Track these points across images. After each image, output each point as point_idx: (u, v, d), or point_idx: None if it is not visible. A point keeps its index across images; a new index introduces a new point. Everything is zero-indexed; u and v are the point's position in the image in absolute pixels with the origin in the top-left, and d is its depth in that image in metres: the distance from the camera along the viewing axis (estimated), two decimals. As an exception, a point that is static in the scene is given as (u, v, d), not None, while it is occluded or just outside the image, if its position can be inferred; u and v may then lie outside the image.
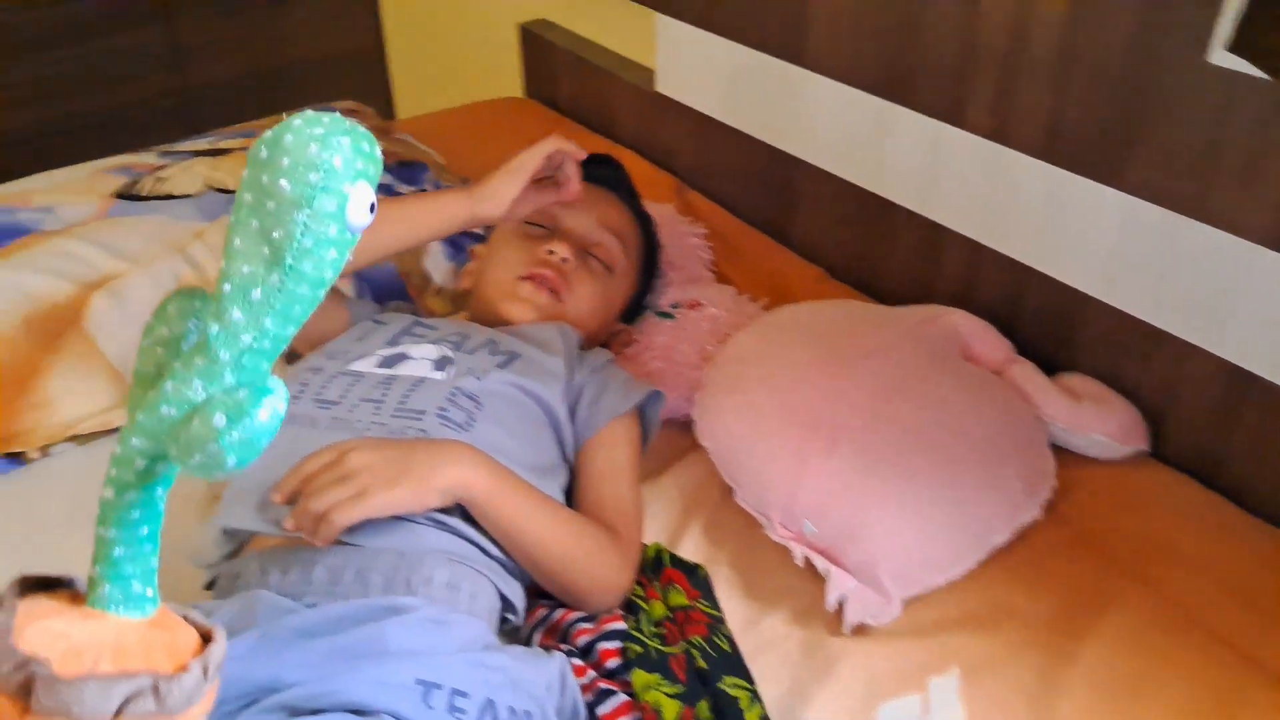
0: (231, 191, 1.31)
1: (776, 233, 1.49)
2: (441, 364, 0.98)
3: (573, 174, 1.10)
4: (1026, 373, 1.12)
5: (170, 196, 1.29)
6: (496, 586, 0.86)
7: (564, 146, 1.08)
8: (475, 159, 1.64)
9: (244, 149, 1.40)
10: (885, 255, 1.36)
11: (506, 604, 0.87)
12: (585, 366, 1.05)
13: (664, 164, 1.64)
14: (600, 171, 1.24)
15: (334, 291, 1.19)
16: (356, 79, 2.59)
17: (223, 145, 1.40)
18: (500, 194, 1.06)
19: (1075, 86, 1.05)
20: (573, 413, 1.01)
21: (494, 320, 1.10)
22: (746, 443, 1.01)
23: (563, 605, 0.90)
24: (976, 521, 0.95)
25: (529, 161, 1.07)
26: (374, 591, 0.80)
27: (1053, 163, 1.10)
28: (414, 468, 0.83)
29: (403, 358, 0.99)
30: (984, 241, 1.22)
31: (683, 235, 1.39)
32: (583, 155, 1.09)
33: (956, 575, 0.94)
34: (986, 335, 1.15)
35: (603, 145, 1.70)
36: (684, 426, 1.13)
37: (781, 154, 1.44)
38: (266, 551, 0.84)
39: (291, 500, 0.83)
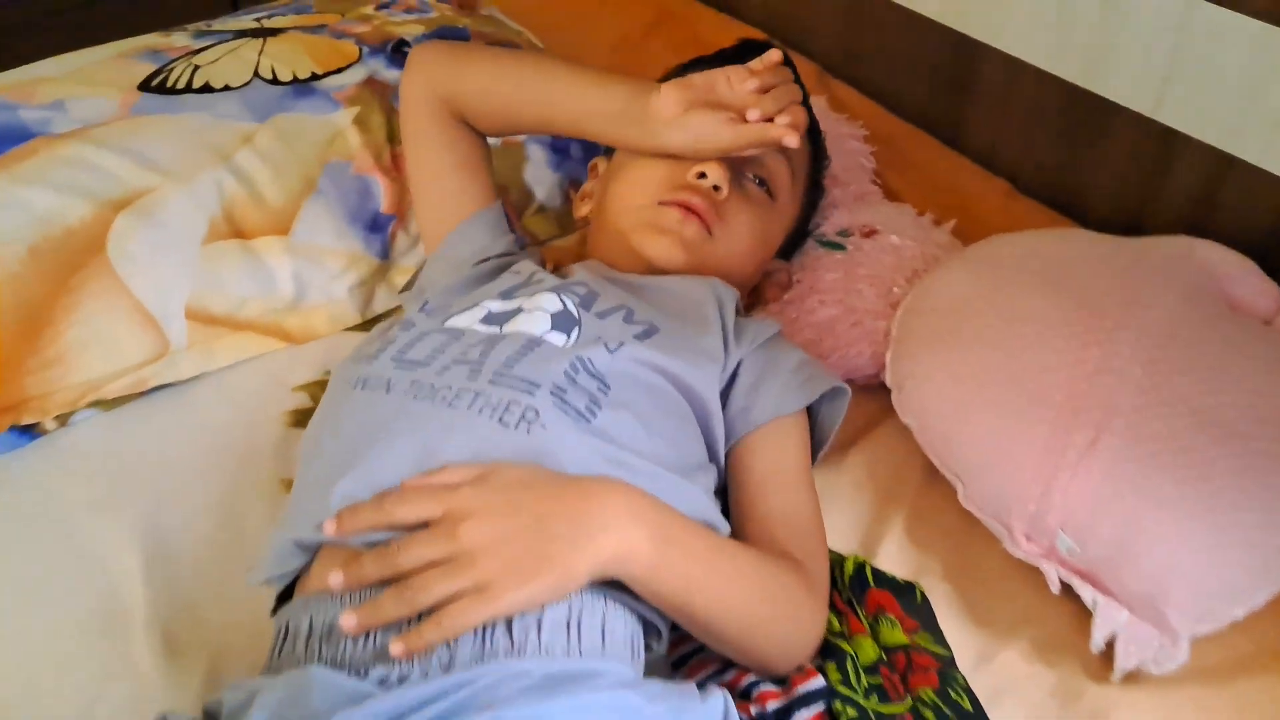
0: (284, 82, 1.10)
1: (946, 134, 1.27)
2: (563, 322, 0.78)
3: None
4: (1305, 326, 0.91)
5: (209, 89, 1.07)
6: (633, 610, 0.68)
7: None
8: (570, 43, 1.41)
9: (300, 28, 1.17)
10: (1092, 167, 1.14)
11: (648, 627, 0.70)
12: (745, 340, 0.84)
13: (801, 47, 1.40)
14: None
15: (486, 174, 0.98)
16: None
17: (273, 23, 1.18)
18: (706, 138, 0.84)
19: None
20: (724, 398, 0.82)
21: (624, 259, 0.90)
22: (972, 426, 0.82)
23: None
24: (1282, 531, 0.76)
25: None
26: (461, 660, 0.61)
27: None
28: (555, 549, 0.63)
29: (517, 312, 0.79)
30: (1238, 154, 1.00)
31: (840, 138, 1.17)
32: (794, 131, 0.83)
33: (1259, 603, 0.75)
34: (1250, 276, 0.94)
35: (723, 25, 1.47)
36: (868, 390, 0.94)
37: (960, 36, 1.20)
38: (322, 596, 0.66)
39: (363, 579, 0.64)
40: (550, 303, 0.79)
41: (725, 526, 0.75)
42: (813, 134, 1.02)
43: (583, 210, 1.02)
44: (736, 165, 0.91)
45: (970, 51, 1.20)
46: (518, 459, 0.67)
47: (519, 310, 0.79)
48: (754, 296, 1.02)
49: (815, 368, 0.85)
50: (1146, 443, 0.76)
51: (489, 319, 0.79)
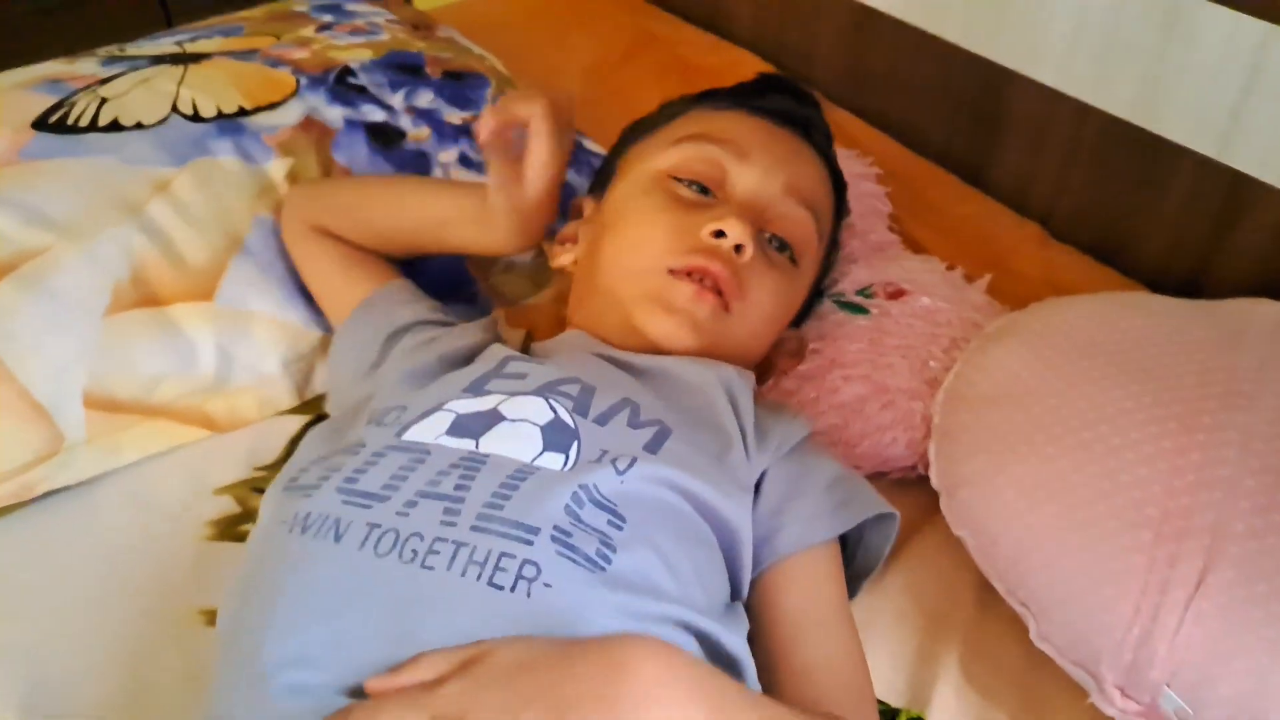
0: (207, 118, 0.94)
1: (968, 172, 1.14)
2: (557, 437, 0.63)
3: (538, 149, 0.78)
4: None
5: (117, 126, 0.91)
6: None
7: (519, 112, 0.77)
8: (540, 64, 1.26)
9: (228, 53, 1.01)
10: (1142, 214, 1.02)
11: None
12: (769, 444, 0.70)
13: (797, 72, 1.26)
14: (785, 105, 0.87)
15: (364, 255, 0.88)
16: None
17: (197, 48, 1.02)
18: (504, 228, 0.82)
19: None
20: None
21: (617, 333, 0.76)
22: (1047, 549, 0.68)
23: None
24: None
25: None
26: None
27: None
28: None
29: (496, 420, 0.64)
30: (1318, 202, 0.88)
31: (851, 178, 1.02)
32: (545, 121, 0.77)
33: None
34: (1341, 347, 0.81)
35: (708, 46, 1.33)
36: (903, 485, 0.80)
37: (986, 64, 1.07)
38: None
39: None
40: (538, 412, 0.64)
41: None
42: (836, 182, 0.88)
43: (563, 259, 0.86)
44: (757, 224, 0.77)
45: (998, 79, 1.07)
46: (518, 633, 0.53)
47: (498, 418, 0.64)
48: (762, 369, 0.87)
49: (855, 483, 0.72)
50: (1271, 576, 0.62)
51: (458, 429, 0.63)
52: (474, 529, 0.56)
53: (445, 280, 0.94)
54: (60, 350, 0.80)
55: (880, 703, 0.67)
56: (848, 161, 1.07)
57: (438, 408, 0.65)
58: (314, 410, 0.89)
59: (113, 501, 0.81)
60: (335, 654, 0.53)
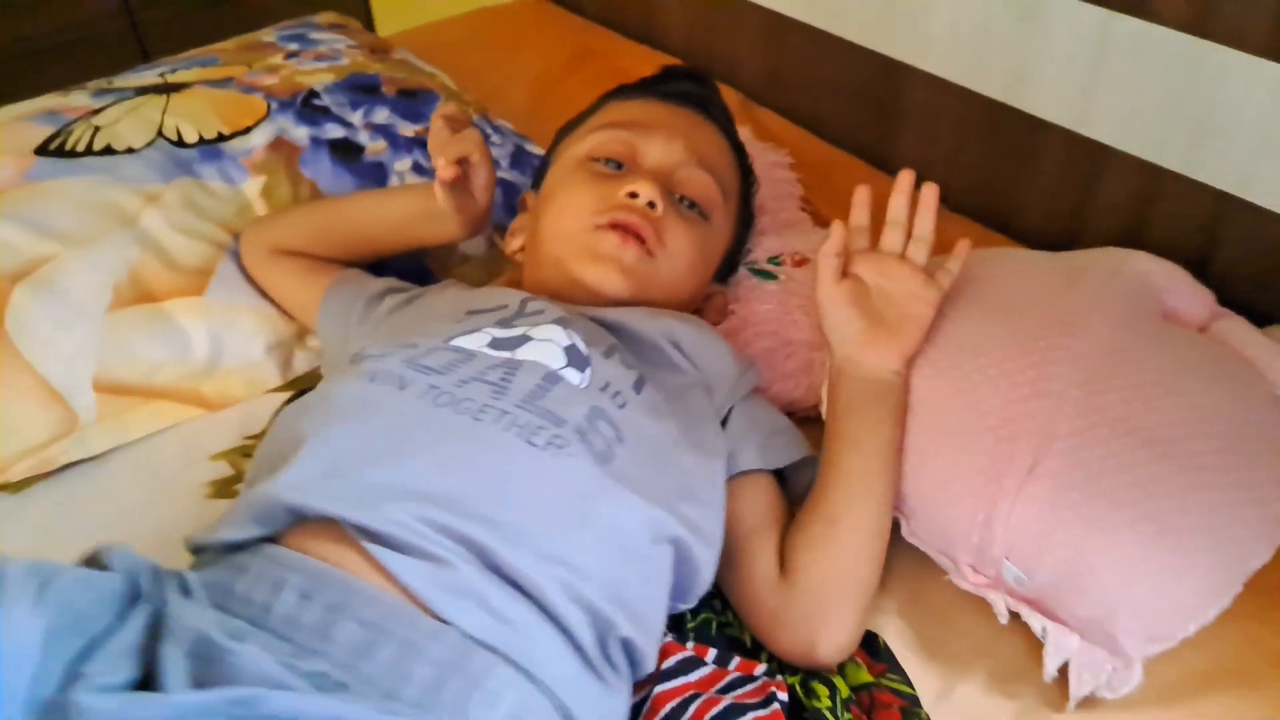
0: (190, 144, 1.08)
1: (874, 157, 1.29)
2: (576, 358, 0.78)
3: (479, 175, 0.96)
4: (1240, 331, 0.93)
5: (110, 151, 1.06)
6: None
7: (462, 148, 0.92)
8: (489, 80, 1.41)
9: (205, 82, 1.16)
10: (1021, 183, 1.16)
11: None
12: (728, 385, 0.86)
13: (723, 76, 1.41)
14: (684, 87, 1.02)
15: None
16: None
17: (177, 78, 1.17)
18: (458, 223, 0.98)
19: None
20: None
21: (565, 289, 0.90)
22: (915, 458, 0.82)
23: (697, 696, 0.71)
24: (1230, 544, 0.76)
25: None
26: (407, 696, 0.59)
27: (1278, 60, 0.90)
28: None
29: (524, 340, 0.79)
30: (1164, 164, 1.02)
31: (766, 166, 1.17)
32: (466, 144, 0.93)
33: (1210, 619, 0.76)
34: (1182, 284, 0.95)
35: (644, 57, 1.48)
36: (805, 424, 0.94)
37: (881, 59, 1.22)
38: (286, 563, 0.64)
39: None
40: (558, 336, 0.79)
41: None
42: (739, 154, 1.03)
43: (514, 246, 1.01)
44: (666, 187, 0.92)
45: (894, 73, 1.22)
46: (543, 480, 0.68)
47: (526, 338, 0.78)
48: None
49: (794, 433, 0.88)
50: (1088, 466, 0.76)
51: (496, 345, 0.78)
52: (518, 407, 0.71)
53: (406, 276, 1.08)
54: (70, 343, 0.94)
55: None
56: (762, 153, 1.22)
57: (476, 330, 0.80)
58: (297, 387, 1.03)
59: (123, 471, 0.95)
60: (415, 475, 0.67)
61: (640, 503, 0.70)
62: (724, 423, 0.85)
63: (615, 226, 0.88)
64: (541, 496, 0.68)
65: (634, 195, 0.89)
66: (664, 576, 0.72)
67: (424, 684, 0.60)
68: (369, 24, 2.43)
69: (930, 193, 0.87)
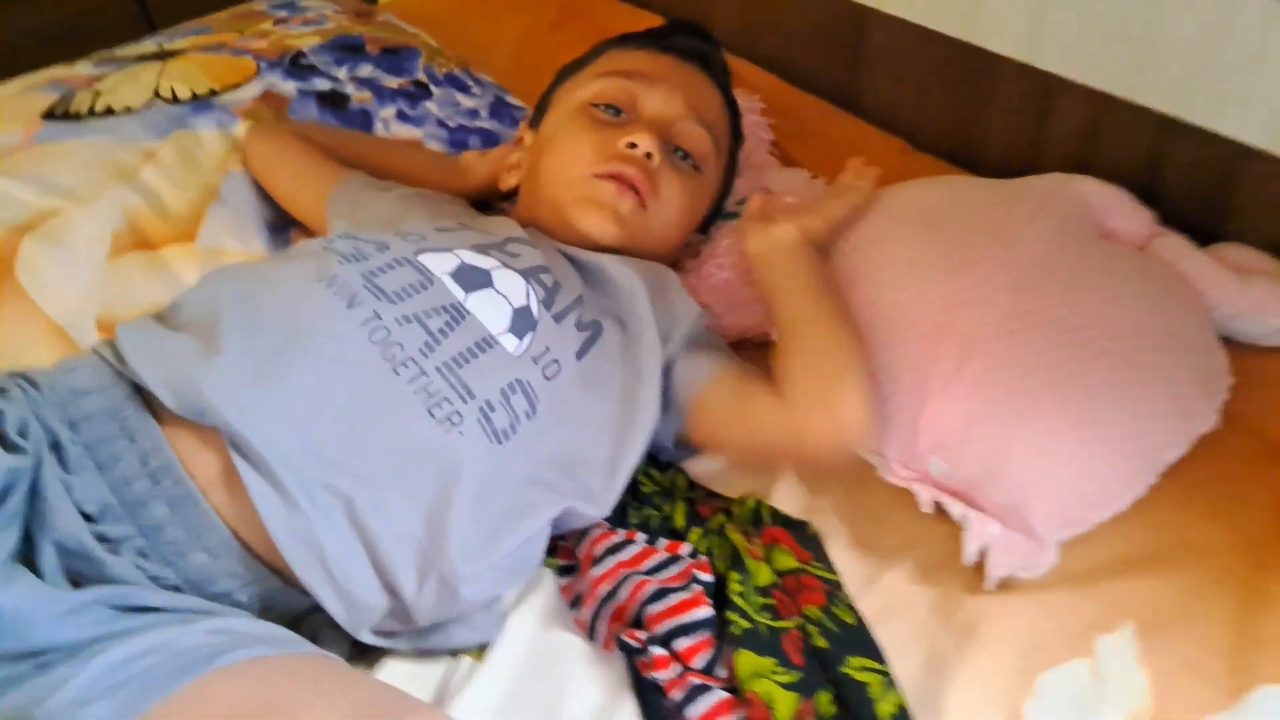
0: (184, 100, 1.17)
1: (845, 100, 1.34)
2: (521, 323, 0.82)
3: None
4: (1177, 246, 0.98)
5: (111, 112, 1.15)
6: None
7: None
8: (475, 40, 1.48)
9: (198, 49, 1.25)
10: (981, 118, 1.21)
11: None
12: (682, 330, 0.92)
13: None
14: (687, 43, 1.08)
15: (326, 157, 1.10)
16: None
17: (172, 46, 1.26)
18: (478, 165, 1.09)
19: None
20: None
21: (560, 230, 0.96)
22: (849, 364, 0.88)
23: (629, 577, 0.78)
24: (1146, 438, 0.82)
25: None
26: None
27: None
28: None
29: (486, 283, 0.83)
30: (1111, 91, 1.07)
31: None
32: None
33: (1123, 506, 0.82)
34: (1122, 205, 1.01)
35: (627, 15, 1.55)
36: (764, 348, 1.00)
37: (844, 3, 1.28)
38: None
39: None
40: (516, 292, 0.83)
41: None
42: (733, 111, 1.10)
43: (510, 182, 1.08)
44: (664, 138, 0.98)
45: (859, 17, 1.28)
46: (427, 455, 0.74)
47: (489, 281, 0.83)
48: (673, 264, 1.08)
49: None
50: (1013, 365, 0.82)
51: (460, 275, 0.83)
52: (437, 370, 0.77)
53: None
54: (77, 288, 1.03)
55: (729, 497, 0.88)
56: (738, 100, 1.28)
57: (449, 250, 0.85)
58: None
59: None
60: (290, 397, 0.73)
61: (515, 482, 0.77)
62: (677, 362, 0.91)
63: (613, 177, 0.94)
64: (416, 470, 0.74)
65: (633, 146, 0.95)
66: (530, 547, 0.80)
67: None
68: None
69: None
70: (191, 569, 0.70)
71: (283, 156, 1.09)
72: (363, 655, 0.78)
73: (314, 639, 0.74)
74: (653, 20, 1.52)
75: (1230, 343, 0.94)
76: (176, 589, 0.70)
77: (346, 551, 0.71)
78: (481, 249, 0.87)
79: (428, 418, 0.74)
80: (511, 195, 1.09)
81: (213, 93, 1.18)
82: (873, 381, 0.83)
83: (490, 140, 1.23)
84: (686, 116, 1.00)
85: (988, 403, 0.82)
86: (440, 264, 0.83)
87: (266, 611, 0.74)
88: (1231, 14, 0.93)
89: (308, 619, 0.77)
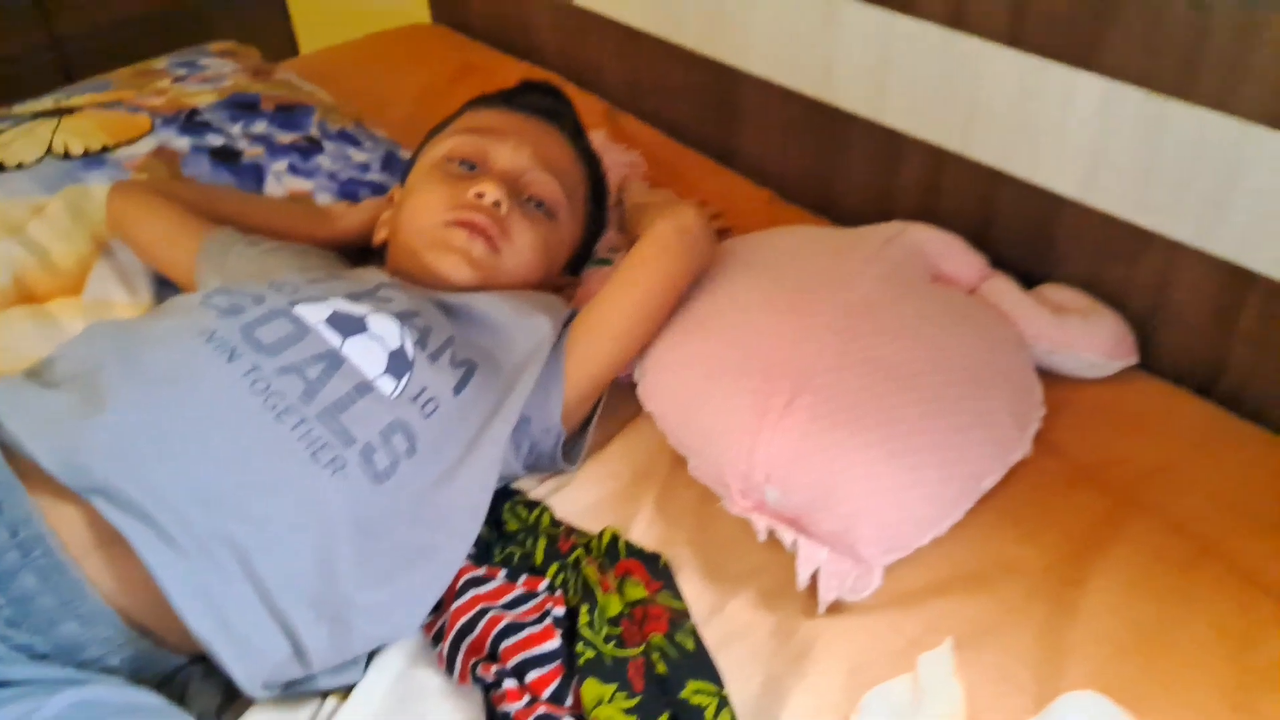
0: (75, 156, 1.21)
1: (719, 154, 1.43)
2: (396, 365, 0.86)
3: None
4: (1002, 288, 1.07)
5: (2, 168, 1.19)
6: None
7: None
8: (376, 95, 1.55)
9: (95, 105, 1.29)
10: (839, 170, 1.30)
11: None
12: (555, 329, 0.99)
13: (592, 86, 1.56)
14: (537, 100, 1.16)
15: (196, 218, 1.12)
16: (256, 15, 2.45)
17: (69, 103, 1.30)
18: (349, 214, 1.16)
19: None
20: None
21: (421, 276, 1.02)
22: (695, 403, 0.95)
23: (486, 611, 0.83)
24: (964, 466, 0.90)
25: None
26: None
27: (1019, 48, 1.04)
28: None
29: (361, 328, 0.87)
30: (946, 146, 1.16)
31: (616, 165, 1.32)
32: None
33: (943, 530, 0.89)
34: (955, 250, 1.10)
35: (522, 71, 1.62)
36: (627, 390, 1.07)
37: (718, 65, 1.37)
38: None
39: None
40: (391, 335, 0.87)
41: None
42: (588, 161, 1.17)
43: (381, 235, 1.14)
44: (515, 189, 1.05)
45: (731, 78, 1.37)
46: (313, 499, 0.77)
47: (363, 327, 0.87)
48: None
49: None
50: (840, 398, 0.90)
51: (334, 321, 0.86)
52: (317, 417, 0.80)
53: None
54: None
55: (587, 533, 0.94)
56: (619, 154, 1.36)
57: (323, 299, 0.89)
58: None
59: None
60: (184, 456, 0.75)
61: (402, 521, 0.81)
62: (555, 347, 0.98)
63: (463, 225, 1.01)
64: (304, 513, 0.76)
65: (480, 195, 1.02)
66: (426, 590, 0.84)
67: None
68: (293, 45, 2.57)
69: None
70: (62, 637, 0.71)
71: (148, 213, 1.12)
72: (230, 702, 0.81)
73: (184, 691, 0.78)
74: (545, 75, 1.60)
75: (1048, 375, 1.03)
76: (45, 657, 0.70)
77: (241, 598, 0.74)
78: (354, 297, 0.91)
79: (312, 463, 0.78)
80: (384, 250, 1.14)
81: (106, 149, 1.22)
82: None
83: (380, 192, 1.29)
84: (535, 167, 1.07)
85: (816, 433, 0.89)
86: (315, 314, 0.88)
87: (139, 673, 0.75)
88: (1037, 82, 1.03)
89: (181, 670, 0.80)
